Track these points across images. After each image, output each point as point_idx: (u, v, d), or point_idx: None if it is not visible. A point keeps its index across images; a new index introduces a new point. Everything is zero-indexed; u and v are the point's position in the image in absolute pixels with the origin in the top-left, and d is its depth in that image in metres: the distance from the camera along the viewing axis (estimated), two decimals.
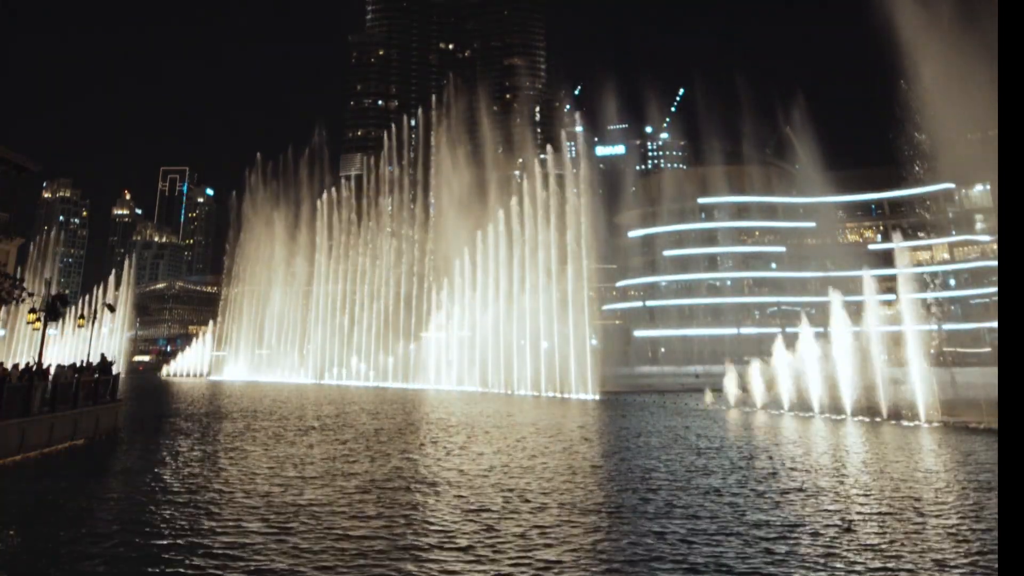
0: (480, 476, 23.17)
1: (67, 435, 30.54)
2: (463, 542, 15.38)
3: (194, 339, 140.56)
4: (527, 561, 13.98)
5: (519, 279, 79.46)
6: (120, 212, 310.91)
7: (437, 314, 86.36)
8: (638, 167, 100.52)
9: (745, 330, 76.35)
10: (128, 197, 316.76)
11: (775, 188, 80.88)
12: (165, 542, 15.51)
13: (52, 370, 33.70)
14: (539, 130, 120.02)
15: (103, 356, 38.79)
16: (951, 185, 74.95)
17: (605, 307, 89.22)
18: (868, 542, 15.37)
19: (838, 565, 13.69)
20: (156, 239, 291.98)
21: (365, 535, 15.97)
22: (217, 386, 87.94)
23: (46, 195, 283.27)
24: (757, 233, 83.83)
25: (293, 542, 15.42)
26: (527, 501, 19.30)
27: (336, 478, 22.73)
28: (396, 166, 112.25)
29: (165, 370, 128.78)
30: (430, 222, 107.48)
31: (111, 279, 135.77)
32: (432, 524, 16.94)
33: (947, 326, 70.78)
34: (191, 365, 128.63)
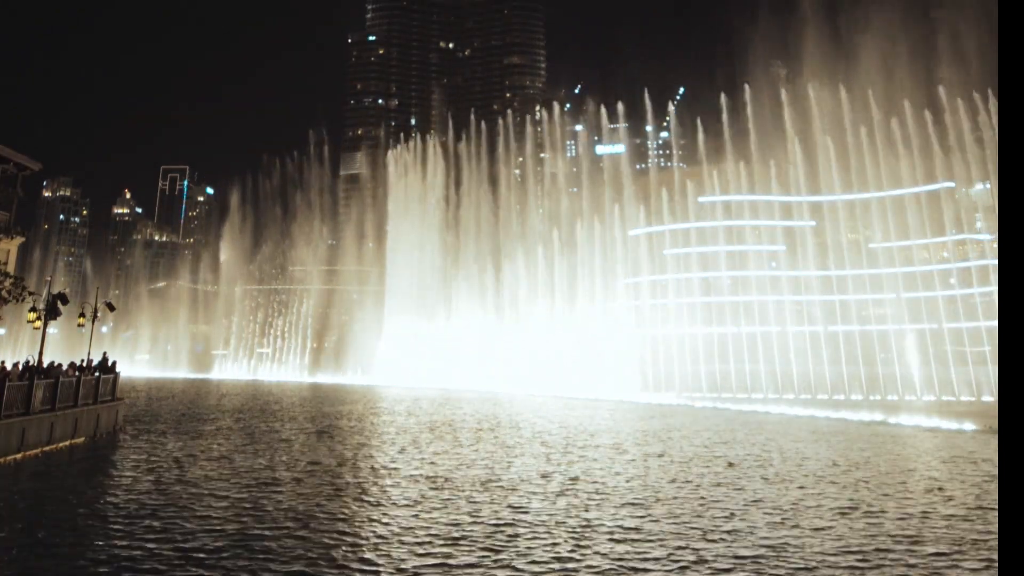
0: None
1: (68, 434, 30.54)
2: None
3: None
4: None
5: None
6: (120, 211, 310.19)
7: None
8: (639, 166, 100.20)
9: (744, 329, 76.21)
10: (128, 196, 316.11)
11: (775, 187, 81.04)
12: (172, 542, 15.53)
13: (52, 368, 33.67)
14: (539, 129, 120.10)
15: (104, 355, 38.77)
16: (951, 184, 74.87)
17: (606, 306, 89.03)
18: None
19: None
20: (156, 238, 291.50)
21: None
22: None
23: (46, 194, 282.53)
24: (757, 231, 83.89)
25: None
26: None
27: None
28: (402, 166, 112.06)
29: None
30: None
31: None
32: None
33: (947, 325, 70.70)
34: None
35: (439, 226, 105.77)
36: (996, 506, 18.99)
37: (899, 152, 73.08)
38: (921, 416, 44.79)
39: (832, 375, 68.79)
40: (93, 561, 14.06)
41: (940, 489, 22.21)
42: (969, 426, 40.73)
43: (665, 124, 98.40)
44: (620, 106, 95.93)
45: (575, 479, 23.36)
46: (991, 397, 58.60)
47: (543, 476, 23.90)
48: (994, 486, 22.27)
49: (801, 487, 22.30)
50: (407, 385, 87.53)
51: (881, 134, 73.46)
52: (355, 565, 14.03)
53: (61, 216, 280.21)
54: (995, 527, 16.78)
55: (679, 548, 15.29)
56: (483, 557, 14.60)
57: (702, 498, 20.49)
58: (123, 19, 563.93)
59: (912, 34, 73.56)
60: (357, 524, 17.20)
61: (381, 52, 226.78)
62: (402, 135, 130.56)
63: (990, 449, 31.25)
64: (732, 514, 18.45)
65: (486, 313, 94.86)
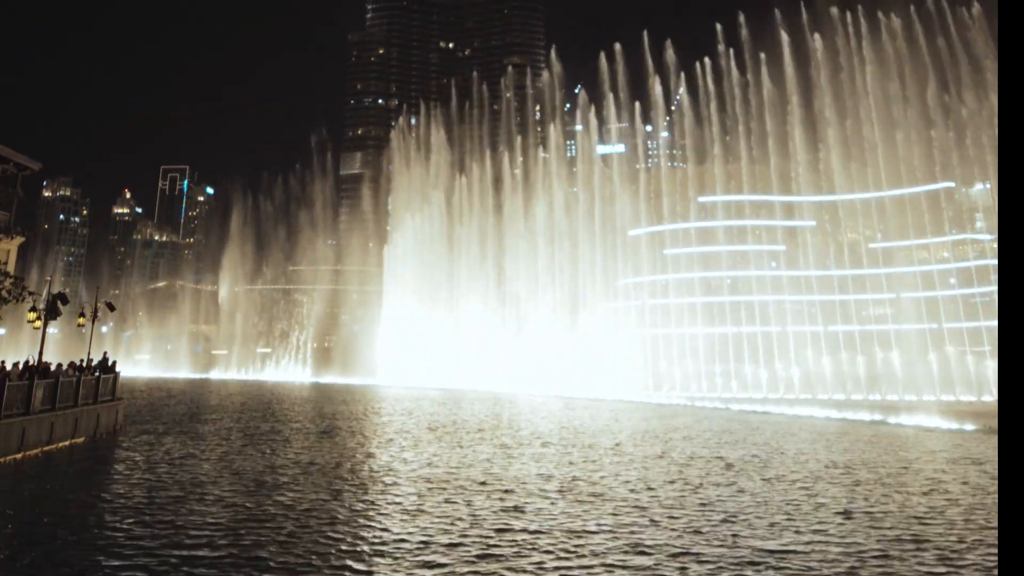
0: None
1: (68, 433, 30.53)
2: None
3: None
4: None
5: None
6: (120, 211, 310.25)
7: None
8: (638, 166, 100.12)
9: (744, 328, 76.25)
10: (128, 196, 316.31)
11: (776, 186, 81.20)
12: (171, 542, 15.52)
13: (52, 368, 33.65)
14: (539, 129, 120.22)
15: (105, 355, 38.76)
16: (951, 184, 74.92)
17: (606, 305, 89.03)
18: None
19: None
20: (156, 238, 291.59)
21: None
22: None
23: (46, 194, 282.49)
24: (757, 231, 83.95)
25: None
26: None
27: None
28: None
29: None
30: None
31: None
32: None
33: (947, 324, 70.73)
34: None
35: (441, 219, 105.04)
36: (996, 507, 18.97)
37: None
38: (921, 416, 44.76)
39: (832, 375, 68.78)
40: (91, 563, 14.05)
41: (946, 492, 22.19)
42: (969, 426, 40.68)
43: (666, 123, 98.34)
44: (620, 106, 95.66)
45: (575, 480, 23.34)
46: (991, 397, 58.59)
47: (543, 477, 23.88)
48: (995, 486, 22.26)
49: (803, 488, 22.28)
50: (408, 385, 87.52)
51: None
52: (349, 571, 14.01)
53: (61, 216, 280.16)
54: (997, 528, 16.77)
55: (680, 553, 15.25)
56: (480, 562, 14.59)
57: (703, 500, 20.46)
58: (123, 19, 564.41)
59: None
60: (354, 527, 17.18)
61: (381, 52, 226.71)
62: (404, 106, 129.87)
63: (991, 449, 31.24)
64: (734, 516, 18.41)
65: (488, 313, 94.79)
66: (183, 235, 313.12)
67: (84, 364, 37.28)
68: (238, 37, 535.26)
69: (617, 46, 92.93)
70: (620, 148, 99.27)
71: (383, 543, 15.64)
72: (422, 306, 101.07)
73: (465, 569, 13.88)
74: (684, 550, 15.22)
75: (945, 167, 73.23)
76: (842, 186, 78.03)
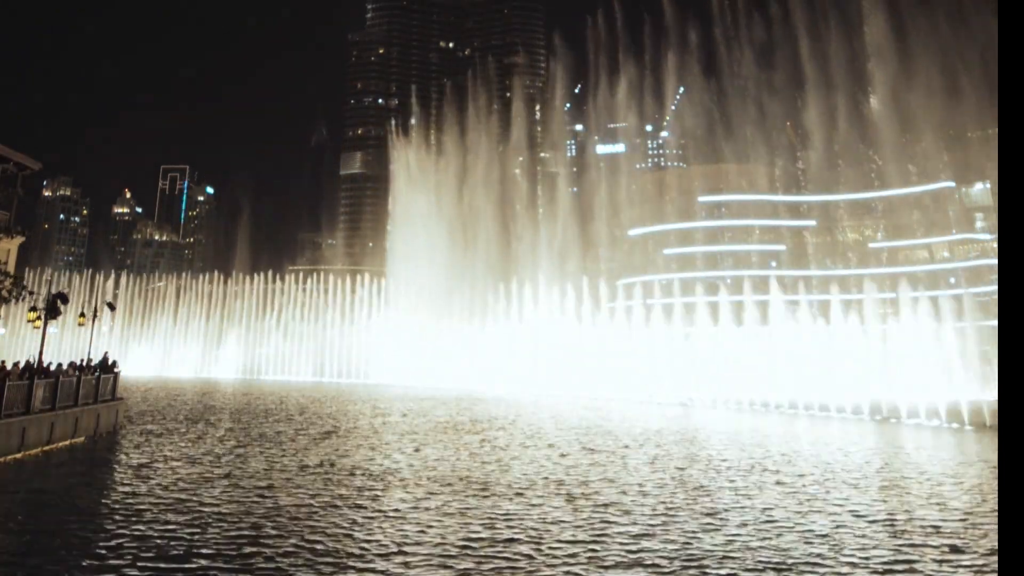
0: None
1: (68, 433, 30.54)
2: None
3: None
4: None
5: None
6: (120, 210, 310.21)
7: None
8: (638, 165, 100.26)
9: (744, 328, 76.14)
10: (128, 195, 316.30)
11: (776, 186, 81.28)
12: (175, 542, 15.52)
13: (52, 368, 33.66)
14: (539, 129, 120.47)
15: (105, 354, 38.78)
16: (951, 184, 74.92)
17: (606, 305, 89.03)
18: None
19: None
20: (156, 237, 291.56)
21: None
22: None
23: (46, 193, 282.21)
24: (758, 231, 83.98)
25: None
26: None
27: None
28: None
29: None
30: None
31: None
32: None
33: (948, 324, 70.63)
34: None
35: (448, 217, 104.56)
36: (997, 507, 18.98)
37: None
38: (921, 417, 44.78)
39: (832, 375, 68.63)
40: (88, 563, 14.05)
41: (946, 492, 22.20)
42: (969, 426, 40.72)
43: (665, 123, 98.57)
44: (620, 105, 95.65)
45: (579, 483, 23.31)
46: (991, 397, 58.54)
47: (545, 481, 23.85)
48: (994, 487, 22.27)
49: (806, 492, 22.27)
50: (410, 385, 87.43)
51: None
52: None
53: (61, 216, 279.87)
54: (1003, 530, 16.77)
55: (685, 566, 15.19)
56: (476, 568, 14.58)
57: (705, 502, 20.44)
58: (123, 19, 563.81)
59: None
60: (349, 533, 17.13)
61: (381, 52, 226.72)
62: (405, 105, 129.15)
63: (991, 449, 31.25)
64: (736, 519, 18.38)
65: (491, 314, 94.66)
66: (183, 235, 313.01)
67: (84, 364, 37.30)
68: (238, 37, 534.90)
69: (620, 106, 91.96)
70: (620, 148, 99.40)
71: (382, 552, 15.63)
72: (424, 307, 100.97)
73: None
74: (694, 562, 15.19)
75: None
76: (844, 184, 78.10)
